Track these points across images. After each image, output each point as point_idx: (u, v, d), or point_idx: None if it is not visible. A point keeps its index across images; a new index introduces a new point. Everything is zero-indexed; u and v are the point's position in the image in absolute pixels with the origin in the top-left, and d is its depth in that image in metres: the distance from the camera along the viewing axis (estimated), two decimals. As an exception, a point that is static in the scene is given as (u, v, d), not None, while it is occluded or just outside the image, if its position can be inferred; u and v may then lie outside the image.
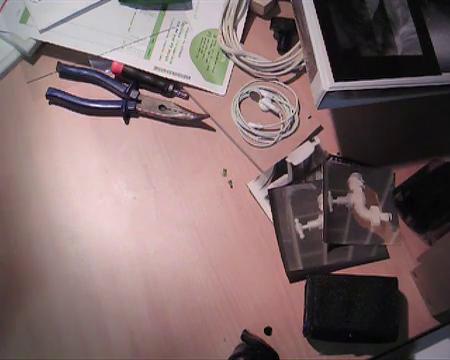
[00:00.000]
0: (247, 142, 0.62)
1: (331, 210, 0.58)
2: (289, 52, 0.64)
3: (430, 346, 0.58)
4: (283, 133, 0.62)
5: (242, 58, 0.64)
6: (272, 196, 0.59)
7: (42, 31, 0.63)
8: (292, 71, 0.64)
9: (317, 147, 0.61)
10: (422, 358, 0.58)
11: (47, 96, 0.63)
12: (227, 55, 0.65)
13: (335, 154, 0.61)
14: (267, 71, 0.64)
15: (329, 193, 0.59)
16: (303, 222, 0.58)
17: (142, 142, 0.62)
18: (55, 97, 0.63)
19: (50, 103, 0.64)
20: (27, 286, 0.56)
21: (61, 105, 0.64)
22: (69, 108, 0.64)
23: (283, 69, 0.64)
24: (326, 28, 0.51)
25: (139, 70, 0.64)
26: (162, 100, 0.63)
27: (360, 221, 0.58)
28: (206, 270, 0.57)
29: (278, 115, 0.63)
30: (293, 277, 0.56)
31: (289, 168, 0.60)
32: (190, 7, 0.67)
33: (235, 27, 0.66)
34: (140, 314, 0.55)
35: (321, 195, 0.59)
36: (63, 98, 0.63)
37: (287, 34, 0.65)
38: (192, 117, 0.62)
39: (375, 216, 0.59)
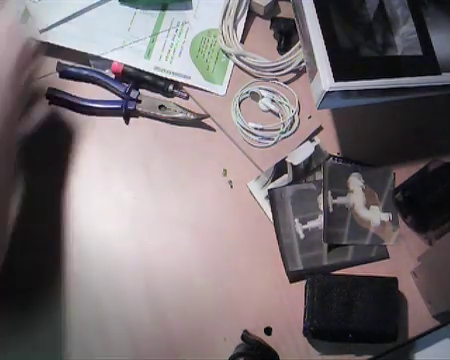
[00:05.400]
0: (247, 142, 0.62)
1: (331, 210, 0.58)
2: (289, 52, 0.64)
3: (430, 346, 0.58)
4: (283, 133, 0.62)
5: (242, 58, 0.64)
6: (272, 196, 0.59)
7: (42, 31, 0.63)
8: (292, 71, 0.64)
9: (317, 147, 0.61)
10: (422, 358, 0.58)
11: (47, 96, 0.63)
12: (227, 55, 0.65)
13: (335, 154, 0.61)
14: (267, 71, 0.64)
15: (329, 193, 0.59)
16: (303, 222, 0.58)
17: (142, 142, 0.62)
18: (55, 97, 0.63)
19: (50, 103, 0.64)
20: (27, 286, 0.56)
21: (61, 105, 0.64)
22: (69, 108, 0.64)
23: (283, 69, 0.64)
24: (326, 28, 0.51)
25: (139, 70, 0.64)
26: (162, 100, 0.63)
27: (360, 221, 0.58)
28: (206, 270, 0.57)
29: (278, 115, 0.63)
30: (293, 277, 0.56)
31: (289, 168, 0.60)
32: (190, 7, 0.67)
33: (235, 27, 0.66)
34: (140, 314, 0.55)
35: (321, 195, 0.59)
36: (63, 98, 0.63)
37: (287, 34, 0.65)
38: (192, 117, 0.62)
39: (375, 216, 0.59)
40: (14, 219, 0.59)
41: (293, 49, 0.64)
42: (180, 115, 0.62)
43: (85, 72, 0.64)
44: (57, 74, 0.65)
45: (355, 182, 0.60)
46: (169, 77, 0.64)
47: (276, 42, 0.66)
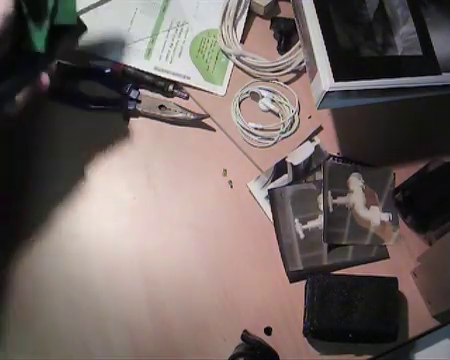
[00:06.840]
0: (247, 142, 0.62)
1: (331, 210, 0.58)
2: (289, 52, 0.64)
3: (430, 346, 0.58)
4: (283, 133, 0.62)
5: (242, 58, 0.64)
6: (272, 196, 0.59)
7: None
8: (292, 71, 0.64)
9: (317, 147, 0.61)
10: (422, 358, 0.58)
11: (49, 92, 0.63)
12: (227, 55, 0.65)
13: (335, 154, 0.61)
14: (267, 71, 0.64)
15: (329, 193, 0.59)
16: (303, 222, 0.58)
17: (142, 142, 0.62)
18: (56, 93, 0.63)
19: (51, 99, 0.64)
20: (27, 286, 0.56)
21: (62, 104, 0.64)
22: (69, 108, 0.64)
23: (283, 69, 0.64)
24: (326, 28, 0.51)
25: (139, 70, 0.64)
26: (162, 100, 0.63)
27: (360, 221, 0.58)
28: (206, 270, 0.57)
29: (278, 115, 0.63)
30: (293, 277, 0.56)
31: (289, 168, 0.60)
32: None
33: (235, 27, 0.66)
34: (140, 314, 0.55)
35: (321, 195, 0.59)
36: (63, 98, 0.63)
37: (287, 34, 0.65)
38: (192, 117, 0.62)
39: (375, 216, 0.59)
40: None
41: (293, 49, 0.64)
42: (180, 115, 0.62)
43: (85, 72, 0.64)
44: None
45: (355, 182, 0.60)
46: (169, 77, 0.64)
47: (276, 42, 0.66)
